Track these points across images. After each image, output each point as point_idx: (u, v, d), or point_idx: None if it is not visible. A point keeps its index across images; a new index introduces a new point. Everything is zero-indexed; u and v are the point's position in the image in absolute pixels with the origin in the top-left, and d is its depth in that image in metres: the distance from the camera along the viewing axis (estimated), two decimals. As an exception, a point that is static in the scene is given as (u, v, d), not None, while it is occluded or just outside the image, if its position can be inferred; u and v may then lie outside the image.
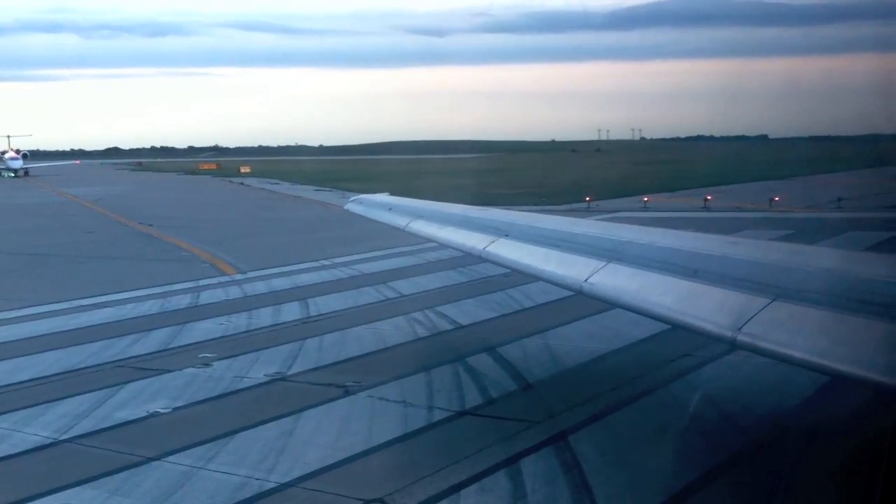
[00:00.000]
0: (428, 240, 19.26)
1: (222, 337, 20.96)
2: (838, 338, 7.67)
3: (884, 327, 7.42)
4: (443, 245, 18.72)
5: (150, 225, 53.24)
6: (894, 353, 7.14)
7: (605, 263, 11.56)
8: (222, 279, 30.79)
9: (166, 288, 28.68)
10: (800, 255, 10.47)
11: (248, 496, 11.11)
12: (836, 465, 11.09)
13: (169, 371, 17.72)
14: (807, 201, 57.19)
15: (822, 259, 10.03)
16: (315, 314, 23.50)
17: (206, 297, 26.87)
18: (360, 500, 10.84)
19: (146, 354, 19.35)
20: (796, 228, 40.73)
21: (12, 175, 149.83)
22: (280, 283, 29.08)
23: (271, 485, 11.44)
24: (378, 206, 21.60)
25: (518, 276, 18.94)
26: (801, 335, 8.00)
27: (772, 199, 54.75)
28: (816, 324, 8.00)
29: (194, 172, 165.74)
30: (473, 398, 15.17)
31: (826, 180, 79.95)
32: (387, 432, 13.40)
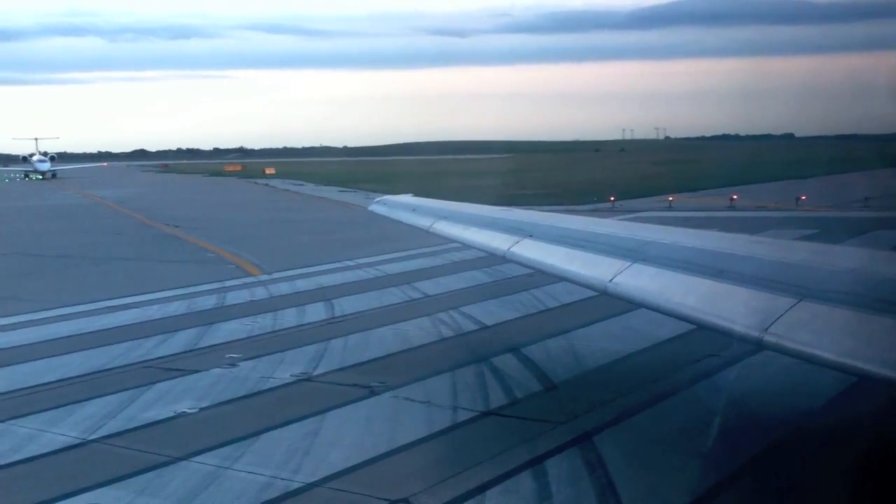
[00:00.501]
0: (452, 241, 19.26)
1: (248, 337, 21.06)
2: (865, 338, 7.61)
3: None
4: (467, 246, 18.71)
5: (176, 226, 53.60)
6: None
7: (629, 263, 11.53)
8: (247, 280, 30.93)
9: (192, 289, 28.86)
10: (826, 254, 10.41)
11: (274, 496, 11.17)
12: (862, 467, 11.00)
13: (195, 371, 17.84)
14: (833, 200, 56.71)
15: (849, 259, 9.96)
16: (340, 315, 23.57)
17: (232, 298, 27.01)
18: (385, 500, 10.87)
19: (173, 355, 19.49)
20: (822, 228, 40.40)
21: (40, 177, 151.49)
22: (304, 284, 29.18)
23: (297, 485, 11.49)
24: (402, 207, 21.63)
25: (542, 276, 18.91)
26: (827, 336, 7.95)
27: (798, 199, 54.38)
28: (843, 324, 7.94)
29: (219, 174, 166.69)
30: (498, 399, 15.17)
31: (853, 179, 79.26)
32: (411, 432, 13.43)
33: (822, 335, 7.99)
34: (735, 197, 57.05)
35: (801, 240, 30.95)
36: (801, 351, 8.10)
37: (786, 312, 8.43)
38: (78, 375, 17.98)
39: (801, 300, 8.51)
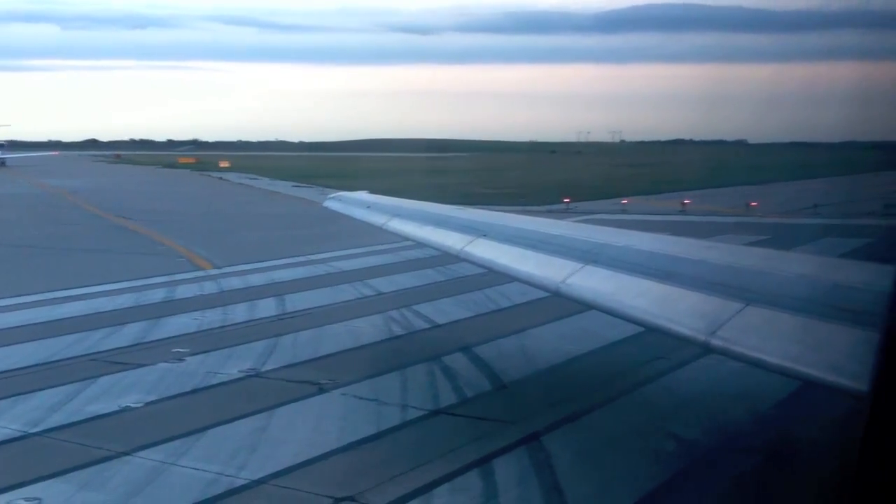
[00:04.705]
0: (406, 238, 19.22)
1: (196, 332, 20.83)
2: (811, 343, 7.71)
3: (856, 333, 7.46)
4: (421, 244, 18.69)
5: (127, 218, 52.87)
6: (865, 359, 7.17)
7: (582, 265, 11.59)
8: (198, 274, 30.61)
9: (141, 282, 28.48)
10: (774, 260, 10.54)
11: (218, 492, 11.05)
12: (806, 471, 11.16)
13: (142, 365, 17.59)
14: (784, 207, 57.50)
15: (797, 265, 10.10)
16: (291, 311, 23.41)
17: (181, 292, 26.70)
18: (331, 497, 10.81)
19: (119, 348, 19.21)
20: (772, 233, 40.94)
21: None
22: (256, 279, 28.94)
23: (242, 481, 11.38)
24: (357, 203, 21.54)
25: (495, 276, 18.95)
26: (773, 340, 8.05)
27: (748, 204, 55.08)
28: (789, 329, 8.04)
29: (173, 166, 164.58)
30: (448, 397, 15.17)
31: (803, 186, 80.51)
32: (360, 430, 13.37)
33: (769, 340, 8.09)
34: (687, 201, 57.61)
35: (751, 245, 31.36)
36: (747, 355, 8.19)
37: (733, 317, 8.52)
38: (22, 367, 17.65)
39: (748, 305, 8.60)
